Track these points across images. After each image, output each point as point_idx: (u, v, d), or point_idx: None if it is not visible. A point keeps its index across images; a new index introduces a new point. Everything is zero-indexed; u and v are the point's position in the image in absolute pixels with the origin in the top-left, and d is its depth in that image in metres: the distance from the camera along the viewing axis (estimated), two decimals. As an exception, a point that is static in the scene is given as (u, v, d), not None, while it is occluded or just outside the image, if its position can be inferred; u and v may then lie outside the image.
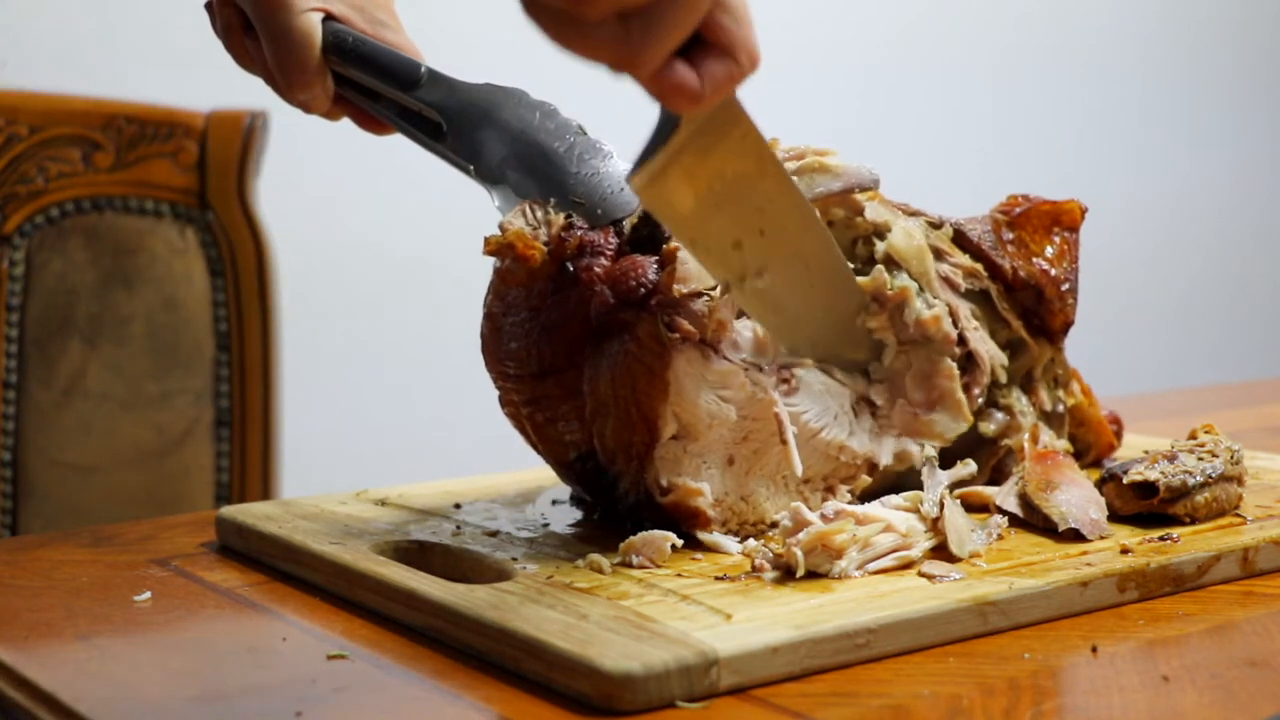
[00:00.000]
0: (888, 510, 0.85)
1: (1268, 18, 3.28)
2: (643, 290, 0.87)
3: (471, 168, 0.94)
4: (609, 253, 0.88)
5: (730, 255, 0.84)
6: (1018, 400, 1.02)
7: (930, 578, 0.81)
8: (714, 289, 0.88)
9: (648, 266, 0.88)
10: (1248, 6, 3.25)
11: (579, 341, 0.89)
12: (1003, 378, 1.01)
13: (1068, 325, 1.02)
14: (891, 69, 2.77)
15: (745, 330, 0.90)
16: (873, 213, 0.96)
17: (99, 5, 2.00)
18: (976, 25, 2.88)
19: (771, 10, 2.59)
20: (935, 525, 0.85)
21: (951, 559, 0.84)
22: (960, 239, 1.00)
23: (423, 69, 0.92)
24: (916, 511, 0.86)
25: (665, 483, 0.89)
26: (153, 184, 1.49)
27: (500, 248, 0.91)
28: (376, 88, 0.93)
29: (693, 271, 0.87)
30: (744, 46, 0.71)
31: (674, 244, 0.88)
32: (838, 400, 0.95)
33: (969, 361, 0.99)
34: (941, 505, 0.86)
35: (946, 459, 0.98)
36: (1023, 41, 2.94)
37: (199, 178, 1.50)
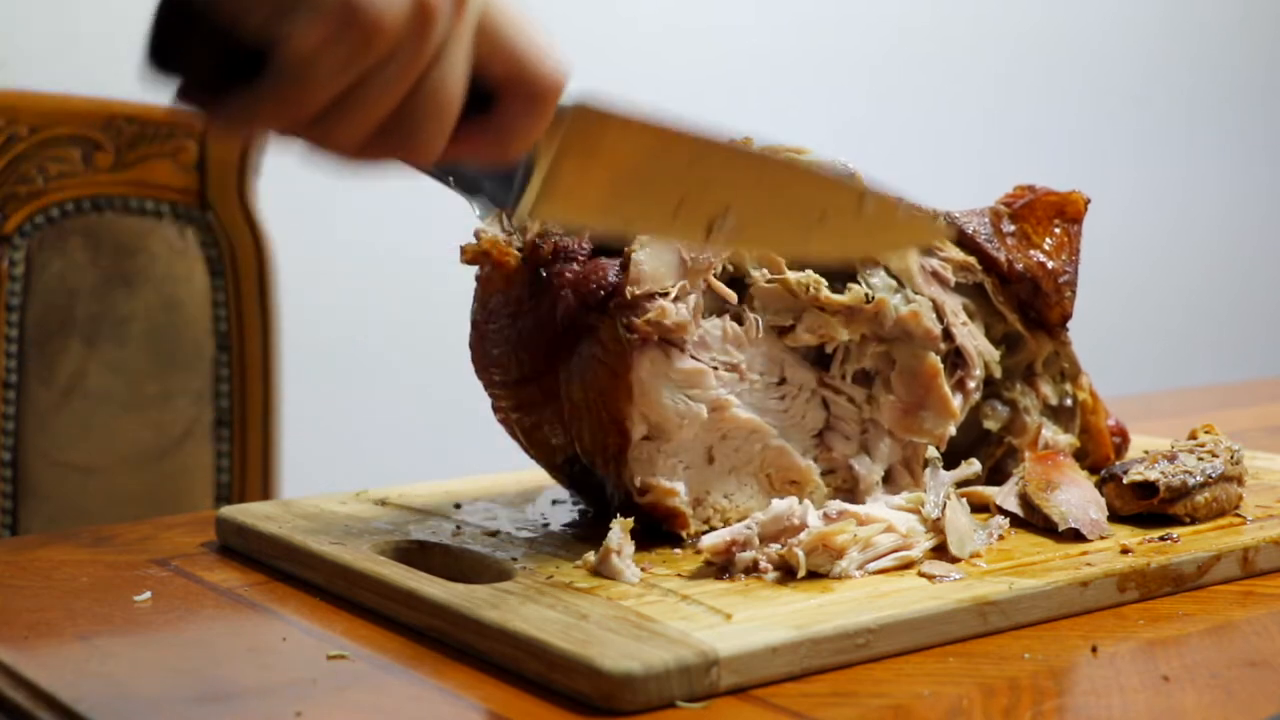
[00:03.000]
0: (889, 511, 0.85)
1: (1269, 18, 3.28)
2: (603, 293, 0.87)
3: (450, 179, 0.94)
4: (580, 258, 0.89)
5: (678, 219, 0.80)
6: (1022, 395, 1.02)
7: (930, 578, 0.81)
8: (670, 288, 0.88)
9: (609, 269, 0.88)
10: (1249, 7, 3.25)
11: (555, 346, 0.89)
12: (997, 373, 1.00)
13: (1065, 318, 1.02)
14: (891, 74, 2.77)
15: (714, 329, 0.90)
16: None
17: (99, 5, 2.00)
18: (979, 28, 2.88)
19: (774, 14, 2.60)
20: (936, 525, 0.85)
21: (952, 559, 0.84)
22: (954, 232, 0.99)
23: None
24: (917, 513, 0.86)
25: (640, 483, 0.89)
26: (153, 184, 1.49)
27: (476, 255, 0.91)
28: None
29: (647, 272, 0.87)
30: (536, 73, 0.68)
31: (632, 245, 0.88)
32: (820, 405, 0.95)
33: (957, 357, 0.98)
34: (944, 504, 0.86)
35: (948, 453, 0.98)
36: (1026, 39, 2.94)
37: (199, 178, 1.50)
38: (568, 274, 0.88)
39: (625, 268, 0.87)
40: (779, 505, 0.84)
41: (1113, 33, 3.06)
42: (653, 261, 0.87)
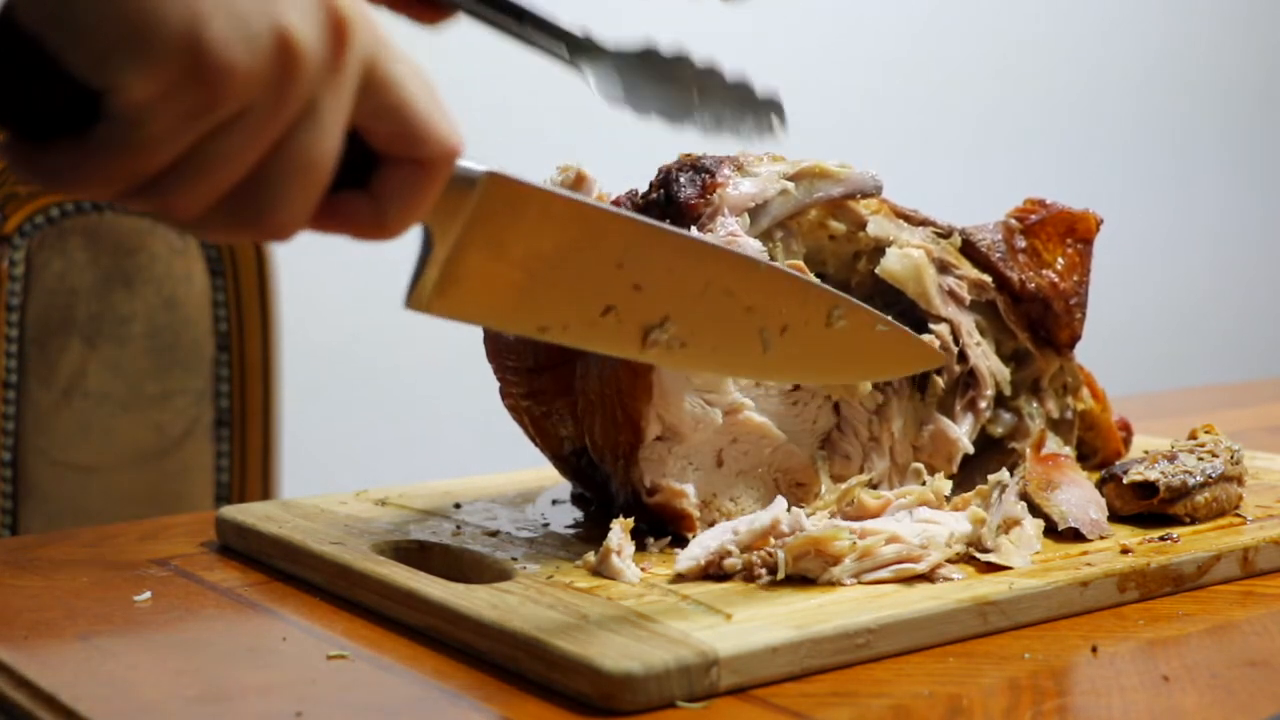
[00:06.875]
0: (911, 524, 0.83)
1: (1266, 23, 3.28)
2: None
3: (565, 53, 0.88)
4: None
5: (605, 325, 0.70)
6: (1026, 404, 1.02)
7: (931, 578, 0.81)
8: None
9: None
10: (1253, 7, 3.25)
11: None
12: (1007, 391, 1.01)
13: (1075, 339, 1.02)
14: (887, 82, 2.77)
15: None
16: (875, 228, 0.95)
17: (99, 5, 2.00)
18: (981, 33, 2.88)
19: (780, 19, 2.60)
20: (981, 545, 0.84)
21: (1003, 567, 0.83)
22: (968, 249, 0.99)
23: None
24: (980, 523, 0.84)
25: (649, 483, 0.89)
26: (153, 184, 1.49)
27: None
28: None
29: None
30: (424, 136, 0.58)
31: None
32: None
33: (970, 378, 0.99)
34: (1004, 522, 0.85)
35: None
36: (1026, 40, 2.94)
37: (199, 178, 1.50)
38: None
39: None
40: (762, 517, 0.82)
41: (1112, 35, 3.06)
42: None
